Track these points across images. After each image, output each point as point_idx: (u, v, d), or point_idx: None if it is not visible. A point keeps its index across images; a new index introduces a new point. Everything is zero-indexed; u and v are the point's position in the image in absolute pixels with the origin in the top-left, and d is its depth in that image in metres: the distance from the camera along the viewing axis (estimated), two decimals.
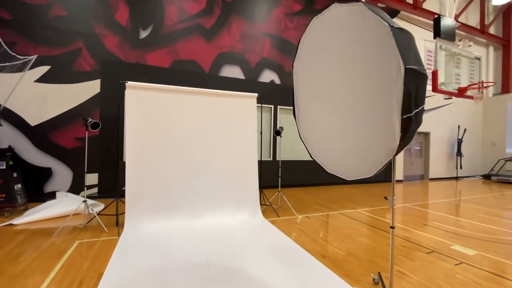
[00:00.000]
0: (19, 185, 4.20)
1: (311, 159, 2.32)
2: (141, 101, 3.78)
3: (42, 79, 4.93)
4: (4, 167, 3.92)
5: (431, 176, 10.12)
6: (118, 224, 3.68)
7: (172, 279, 2.32)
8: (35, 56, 4.48)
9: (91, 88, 5.28)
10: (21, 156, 4.80)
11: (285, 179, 6.92)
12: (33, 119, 4.90)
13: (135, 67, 5.59)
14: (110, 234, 3.39)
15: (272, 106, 6.94)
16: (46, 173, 4.98)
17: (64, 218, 3.91)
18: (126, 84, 3.71)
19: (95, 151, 5.32)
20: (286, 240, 3.28)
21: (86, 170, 3.73)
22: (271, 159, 6.91)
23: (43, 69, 4.94)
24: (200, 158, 4.03)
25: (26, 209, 4.27)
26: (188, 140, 3.99)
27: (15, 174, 4.15)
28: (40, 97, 4.93)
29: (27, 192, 4.82)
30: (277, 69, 7.12)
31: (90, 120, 3.46)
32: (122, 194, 3.74)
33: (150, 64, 5.74)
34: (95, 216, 3.73)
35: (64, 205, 4.15)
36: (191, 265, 2.59)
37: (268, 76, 7.02)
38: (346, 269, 2.61)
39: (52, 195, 5.00)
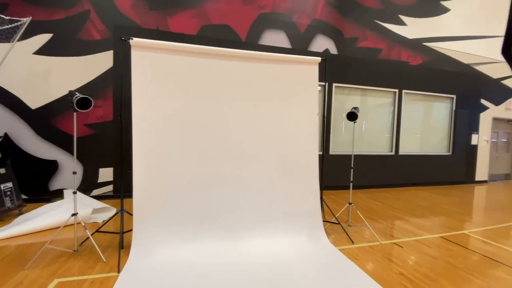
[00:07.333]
0: (9, 184, 3.28)
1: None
2: (154, 68, 2.55)
3: (42, 51, 3.96)
4: None
5: None
6: (121, 247, 2.55)
7: None
8: (28, 19, 3.47)
9: (102, 61, 4.22)
10: (21, 146, 3.93)
11: (332, 179, 5.41)
12: (34, 101, 3.96)
13: (155, 34, 4.41)
14: (107, 266, 2.26)
15: (326, 84, 5.36)
16: (51, 167, 4.07)
17: (57, 230, 2.90)
18: (131, 41, 2.48)
19: (108, 140, 4.30)
20: None
21: (74, 162, 2.62)
22: (319, 152, 5.42)
23: (44, 38, 3.95)
24: (236, 153, 2.74)
25: (20, 213, 3.38)
26: (221, 127, 2.71)
27: (2, 171, 3.23)
28: (41, 74, 3.97)
29: (30, 190, 3.97)
30: (333, 35, 5.48)
31: (77, 95, 2.30)
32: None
33: (173, 31, 4.52)
34: (88, 238, 2.63)
35: (62, 211, 3.18)
36: None
37: (321, 45, 5.42)
38: None
39: (59, 194, 4.12)
